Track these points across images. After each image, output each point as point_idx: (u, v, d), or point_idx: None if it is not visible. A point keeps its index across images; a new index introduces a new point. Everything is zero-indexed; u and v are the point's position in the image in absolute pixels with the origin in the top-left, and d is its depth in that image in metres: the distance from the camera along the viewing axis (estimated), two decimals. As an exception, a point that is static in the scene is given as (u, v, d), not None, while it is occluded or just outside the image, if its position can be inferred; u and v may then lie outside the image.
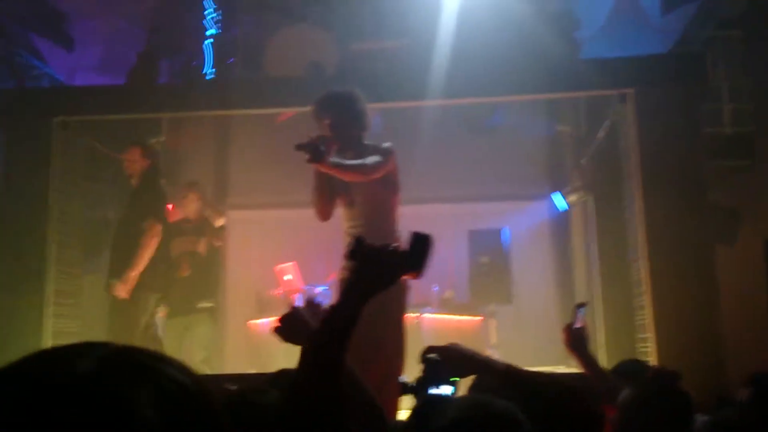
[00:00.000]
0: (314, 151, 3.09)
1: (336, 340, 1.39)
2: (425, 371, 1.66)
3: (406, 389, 1.68)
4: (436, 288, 6.14)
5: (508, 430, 1.22)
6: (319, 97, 3.57)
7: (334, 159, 3.26)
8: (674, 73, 4.77)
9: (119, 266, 4.71)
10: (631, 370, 2.46)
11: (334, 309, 1.43)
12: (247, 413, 1.50)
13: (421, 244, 1.48)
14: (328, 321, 1.43)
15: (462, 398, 1.40)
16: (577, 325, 2.43)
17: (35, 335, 4.60)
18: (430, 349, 1.70)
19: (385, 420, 1.63)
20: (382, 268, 1.46)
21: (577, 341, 2.38)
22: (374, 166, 3.36)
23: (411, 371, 2.55)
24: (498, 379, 1.57)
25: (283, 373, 2.07)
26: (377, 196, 3.44)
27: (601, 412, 1.64)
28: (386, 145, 3.51)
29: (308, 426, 1.28)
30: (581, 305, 2.54)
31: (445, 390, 1.62)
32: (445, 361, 1.61)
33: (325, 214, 3.52)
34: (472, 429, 1.22)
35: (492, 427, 1.22)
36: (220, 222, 5.69)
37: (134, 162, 5.00)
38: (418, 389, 1.65)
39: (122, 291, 4.60)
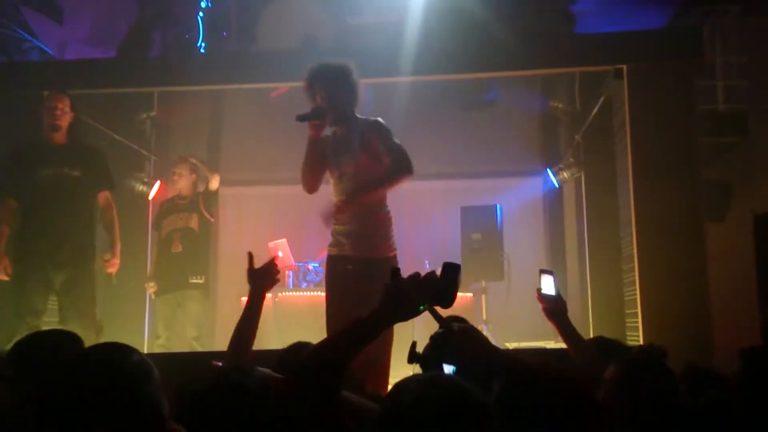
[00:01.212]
0: (318, 114, 3.26)
1: (348, 352, 1.48)
2: (433, 347, 1.66)
3: (414, 358, 1.68)
4: (427, 264, 6.15)
5: (462, 402, 1.25)
6: (314, 67, 3.50)
7: (369, 182, 3.33)
8: (669, 48, 4.74)
9: (90, 241, 4.48)
10: (600, 347, 2.46)
11: (355, 325, 1.51)
12: (229, 392, 1.52)
13: (453, 274, 1.53)
14: (346, 334, 1.51)
15: (413, 378, 1.41)
16: (549, 291, 2.44)
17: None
18: (447, 320, 1.69)
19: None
20: (413, 302, 1.52)
21: (554, 309, 2.40)
22: (407, 159, 3.37)
23: (405, 347, 2.56)
24: (502, 369, 1.56)
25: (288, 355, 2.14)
26: (368, 169, 3.42)
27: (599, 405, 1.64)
28: (378, 120, 3.50)
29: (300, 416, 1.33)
30: (545, 271, 2.53)
31: (447, 369, 1.62)
32: (454, 342, 1.61)
33: (313, 186, 3.51)
34: (429, 408, 1.23)
35: (446, 402, 1.24)
36: (215, 183, 5.61)
37: (65, 113, 4.45)
38: (424, 361, 1.66)
39: (116, 266, 4.58)
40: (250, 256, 2.42)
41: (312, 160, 3.44)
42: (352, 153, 3.42)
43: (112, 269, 4.54)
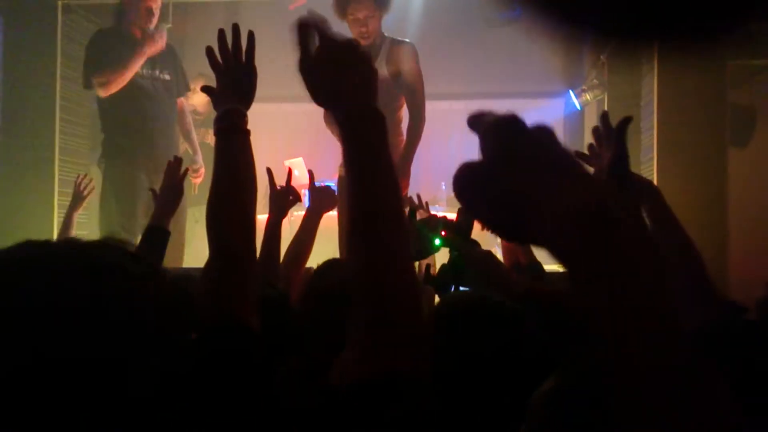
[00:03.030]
0: None
1: None
2: (448, 271, 1.66)
3: (428, 281, 1.69)
4: (443, 186, 6.14)
5: (511, 318, 1.25)
6: None
7: (408, 152, 3.28)
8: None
9: (177, 148, 4.25)
10: None
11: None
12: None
13: (469, 218, 1.55)
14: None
15: (459, 294, 1.42)
16: None
17: (45, 226, 4.64)
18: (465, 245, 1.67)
19: None
20: (427, 244, 1.55)
21: None
22: (424, 112, 3.35)
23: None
24: (519, 298, 1.54)
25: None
26: (387, 87, 3.35)
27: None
28: (414, 46, 3.37)
29: None
30: None
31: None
32: (470, 267, 1.61)
33: None
34: (478, 320, 1.24)
35: (493, 316, 1.24)
36: None
37: (158, 11, 4.10)
38: (438, 285, 1.67)
39: (202, 176, 4.43)
40: (270, 173, 2.37)
41: None
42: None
43: (199, 179, 4.40)
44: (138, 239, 2.23)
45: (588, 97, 6.37)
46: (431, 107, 3.43)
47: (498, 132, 0.56)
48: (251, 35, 1.49)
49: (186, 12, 6.22)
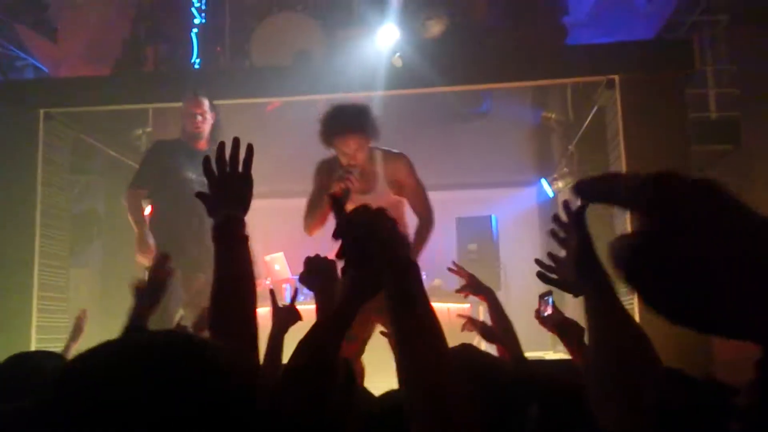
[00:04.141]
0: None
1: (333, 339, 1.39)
2: None
3: None
4: (424, 276, 6.15)
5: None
6: (331, 117, 3.11)
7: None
8: (660, 59, 4.78)
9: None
10: None
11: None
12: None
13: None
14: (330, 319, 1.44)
15: None
16: (548, 312, 2.41)
17: (24, 329, 4.58)
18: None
19: None
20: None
21: (560, 327, 2.34)
22: (432, 216, 3.34)
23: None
24: (537, 392, 1.46)
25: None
26: (395, 205, 3.27)
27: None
28: (407, 158, 3.29)
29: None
30: (547, 294, 2.43)
31: None
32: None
33: (314, 231, 3.26)
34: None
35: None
36: None
37: (206, 119, 4.06)
38: None
39: None
40: (272, 294, 2.32)
41: (317, 205, 3.18)
42: (379, 191, 3.22)
43: None
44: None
45: (560, 184, 6.54)
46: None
47: (663, 191, 0.44)
48: (250, 147, 1.56)
49: (166, 116, 6.38)
